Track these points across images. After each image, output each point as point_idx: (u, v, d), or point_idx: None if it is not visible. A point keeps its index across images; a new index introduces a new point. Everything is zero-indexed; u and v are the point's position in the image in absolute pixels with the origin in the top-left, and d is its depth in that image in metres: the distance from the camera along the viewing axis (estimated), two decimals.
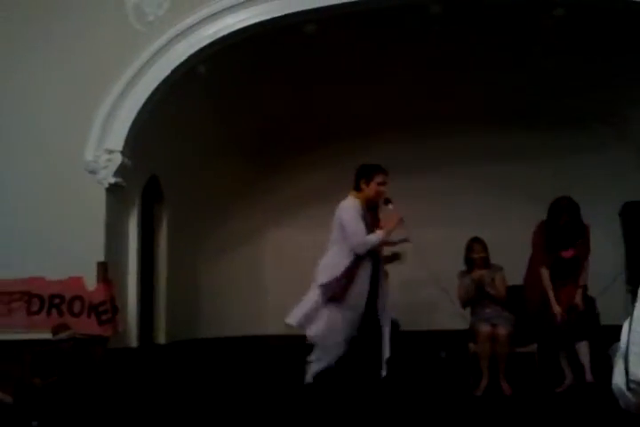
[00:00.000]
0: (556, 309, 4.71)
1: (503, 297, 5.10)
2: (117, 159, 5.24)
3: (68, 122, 5.39)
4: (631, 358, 1.48)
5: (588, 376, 4.58)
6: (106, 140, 5.29)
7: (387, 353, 4.21)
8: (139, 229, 5.70)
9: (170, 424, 4.30)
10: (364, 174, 4.25)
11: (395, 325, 4.83)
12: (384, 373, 4.18)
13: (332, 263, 4.14)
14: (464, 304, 5.22)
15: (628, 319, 1.53)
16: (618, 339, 1.55)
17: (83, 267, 5.04)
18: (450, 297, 5.23)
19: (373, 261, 4.22)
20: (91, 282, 5.05)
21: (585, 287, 4.87)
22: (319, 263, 4.22)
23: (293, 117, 6.82)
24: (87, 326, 4.93)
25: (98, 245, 5.16)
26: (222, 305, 7.05)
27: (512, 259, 5.01)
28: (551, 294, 4.75)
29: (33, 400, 4.17)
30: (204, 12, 5.28)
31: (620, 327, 1.57)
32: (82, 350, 4.64)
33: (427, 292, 6.09)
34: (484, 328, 4.91)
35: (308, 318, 4.11)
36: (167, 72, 5.31)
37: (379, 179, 4.21)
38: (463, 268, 5.25)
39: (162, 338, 6.17)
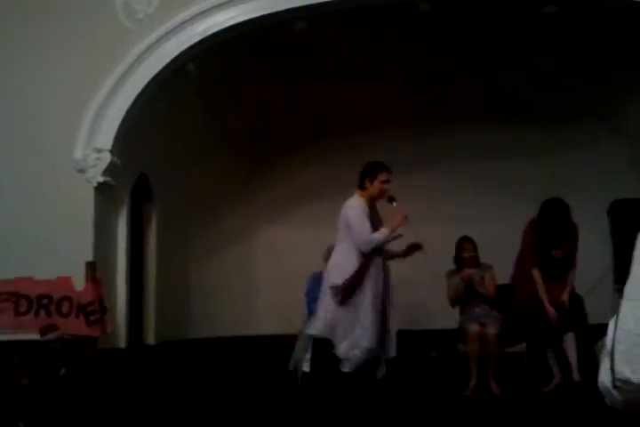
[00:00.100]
0: (551, 311, 4.67)
1: (493, 296, 5.08)
2: (106, 158, 5.21)
3: (56, 121, 5.35)
4: (617, 357, 1.47)
5: (576, 376, 4.54)
6: (95, 138, 5.26)
7: (392, 353, 4.20)
8: (128, 228, 5.66)
9: (160, 426, 4.26)
10: (368, 173, 4.26)
11: None
12: (382, 373, 4.18)
13: (341, 262, 4.16)
14: (453, 303, 5.19)
15: (614, 317, 1.52)
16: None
17: (71, 267, 5.00)
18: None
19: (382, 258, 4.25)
20: (79, 282, 5.00)
21: (572, 286, 4.85)
22: (328, 264, 4.24)
23: (284, 115, 6.81)
24: (75, 326, 4.89)
25: (86, 244, 5.13)
26: (213, 305, 7.00)
27: (511, 256, 4.96)
28: (544, 296, 4.70)
29: (20, 401, 4.14)
30: (194, 9, 5.26)
31: (607, 326, 1.55)
32: (70, 350, 4.62)
33: (423, 290, 6.09)
34: (474, 328, 4.89)
35: (330, 325, 4.08)
36: (157, 70, 5.29)
37: (382, 177, 4.22)
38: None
39: (151, 338, 6.14)
